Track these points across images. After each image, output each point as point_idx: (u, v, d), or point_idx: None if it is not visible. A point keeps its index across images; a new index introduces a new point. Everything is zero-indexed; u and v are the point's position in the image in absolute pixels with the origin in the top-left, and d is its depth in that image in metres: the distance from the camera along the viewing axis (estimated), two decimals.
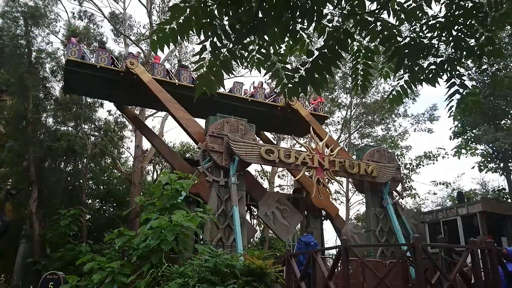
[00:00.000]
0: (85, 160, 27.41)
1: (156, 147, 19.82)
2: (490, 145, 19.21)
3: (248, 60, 3.87)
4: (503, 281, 7.93)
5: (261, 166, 32.79)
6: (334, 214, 18.80)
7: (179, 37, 3.65)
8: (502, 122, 20.58)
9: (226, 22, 3.75)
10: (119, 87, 17.30)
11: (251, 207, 21.59)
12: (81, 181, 27.74)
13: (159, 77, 17.22)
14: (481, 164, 22.58)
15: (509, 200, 20.85)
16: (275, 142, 33.04)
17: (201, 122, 17.08)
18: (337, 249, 9.20)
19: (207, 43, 3.72)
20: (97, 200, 31.76)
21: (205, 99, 15.82)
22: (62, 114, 27.22)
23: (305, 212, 19.01)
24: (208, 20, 3.63)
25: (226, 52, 3.75)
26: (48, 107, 26.54)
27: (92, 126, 29.94)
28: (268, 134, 24.95)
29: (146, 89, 16.65)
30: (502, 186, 26.04)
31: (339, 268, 9.36)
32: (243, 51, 3.80)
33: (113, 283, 10.33)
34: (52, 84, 27.25)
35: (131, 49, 30.02)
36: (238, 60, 3.78)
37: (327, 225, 18.08)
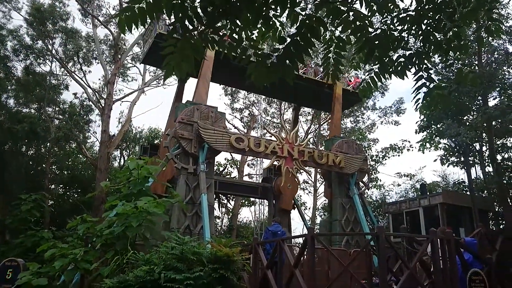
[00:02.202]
0: (48, 144, 26.48)
1: (168, 118, 19.44)
2: (453, 139, 19.92)
3: (219, 44, 3.79)
4: (459, 269, 8.28)
5: (231, 155, 32.77)
6: (284, 206, 18.11)
7: (148, 17, 3.52)
8: (465, 118, 21.36)
9: (198, 4, 3.65)
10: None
11: (220, 195, 21.61)
12: (44, 165, 26.84)
13: None
14: (443, 158, 23.44)
15: (468, 193, 21.76)
16: (245, 131, 33.05)
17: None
18: (303, 238, 9.32)
19: (178, 25, 3.60)
20: (61, 186, 30.83)
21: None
22: (24, 95, 26.16)
23: (273, 201, 19.16)
24: (179, 0, 3.51)
25: (197, 35, 3.65)
26: (9, 88, 25.39)
27: (56, 109, 28.94)
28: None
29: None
30: (462, 179, 27.19)
31: (305, 256, 9.51)
32: (215, 35, 3.72)
33: (75, 270, 10.06)
34: (14, 63, 26.06)
35: (99, 30, 29.07)
36: (209, 44, 3.70)
37: (294, 214, 18.23)
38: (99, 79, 33.97)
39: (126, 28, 3.54)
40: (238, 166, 33.86)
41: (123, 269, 8.44)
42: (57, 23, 26.61)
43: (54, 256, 10.09)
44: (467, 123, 20.49)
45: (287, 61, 3.78)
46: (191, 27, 3.62)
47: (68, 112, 28.17)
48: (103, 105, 26.18)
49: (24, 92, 25.99)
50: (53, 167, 29.27)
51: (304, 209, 35.23)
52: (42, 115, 26.16)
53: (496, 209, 22.79)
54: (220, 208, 31.59)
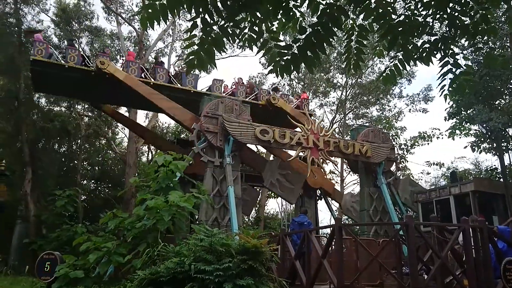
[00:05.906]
0: (79, 141, 27.27)
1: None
2: (484, 125, 19.25)
3: (240, 37, 3.80)
4: (493, 258, 8.06)
5: (256, 147, 32.83)
6: (331, 190, 19.21)
7: (169, 13, 3.57)
8: (497, 102, 20.58)
9: None
10: (93, 86, 16.51)
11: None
12: (75, 162, 27.66)
13: (133, 75, 16.32)
14: (474, 144, 22.71)
15: (501, 180, 21.04)
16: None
17: None
18: (331, 228, 9.29)
19: (198, 20, 3.64)
20: (92, 181, 31.74)
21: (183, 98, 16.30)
22: None
23: (300, 192, 19.12)
24: None
25: (217, 29, 3.68)
26: None
27: (86, 106, 29.67)
28: None
29: (124, 87, 15.83)
30: (494, 165, 26.28)
31: (333, 246, 9.49)
32: (235, 28, 3.73)
33: (109, 262, 10.42)
34: None
35: (123, 28, 29.55)
36: (230, 38, 3.72)
37: (321, 205, 18.28)
38: None
39: (148, 24, 3.61)
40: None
41: (155, 261, 8.67)
42: (83, 22, 27.24)
43: (89, 249, 10.48)
44: (499, 108, 19.74)
45: (308, 52, 3.76)
46: (211, 21, 3.65)
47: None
48: None
49: None
50: (84, 163, 30.14)
51: (331, 200, 34.98)
52: (72, 113, 26.92)
53: None
54: None
